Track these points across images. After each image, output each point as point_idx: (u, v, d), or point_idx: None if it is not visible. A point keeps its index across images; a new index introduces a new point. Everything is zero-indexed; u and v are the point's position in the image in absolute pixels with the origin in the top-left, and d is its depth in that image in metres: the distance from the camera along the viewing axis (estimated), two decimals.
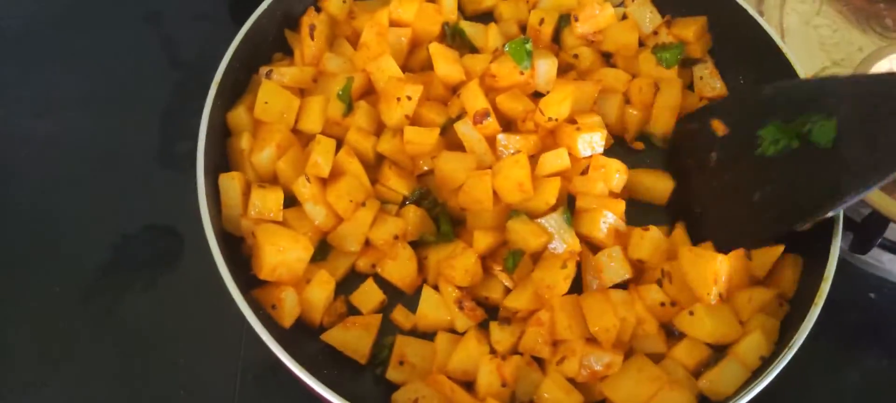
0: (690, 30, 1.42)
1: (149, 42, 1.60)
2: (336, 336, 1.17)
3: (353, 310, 1.21)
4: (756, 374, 1.11)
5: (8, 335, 1.28)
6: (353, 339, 1.17)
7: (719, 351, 1.17)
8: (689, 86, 1.45)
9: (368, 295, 1.21)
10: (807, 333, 1.09)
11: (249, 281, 1.16)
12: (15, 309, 1.30)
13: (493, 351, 1.15)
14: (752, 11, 1.36)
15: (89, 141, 1.46)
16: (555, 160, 1.25)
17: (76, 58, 1.57)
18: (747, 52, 1.39)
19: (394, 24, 1.37)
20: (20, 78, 1.54)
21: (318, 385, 1.02)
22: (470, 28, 1.42)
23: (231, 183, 1.20)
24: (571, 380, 1.12)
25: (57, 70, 1.55)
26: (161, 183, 1.42)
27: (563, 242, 1.19)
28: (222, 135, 1.28)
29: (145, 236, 1.38)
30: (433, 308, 1.19)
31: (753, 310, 1.16)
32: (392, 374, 1.15)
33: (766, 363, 1.11)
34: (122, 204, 1.40)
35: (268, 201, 1.18)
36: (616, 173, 1.27)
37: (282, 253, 1.14)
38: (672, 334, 1.20)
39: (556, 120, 1.27)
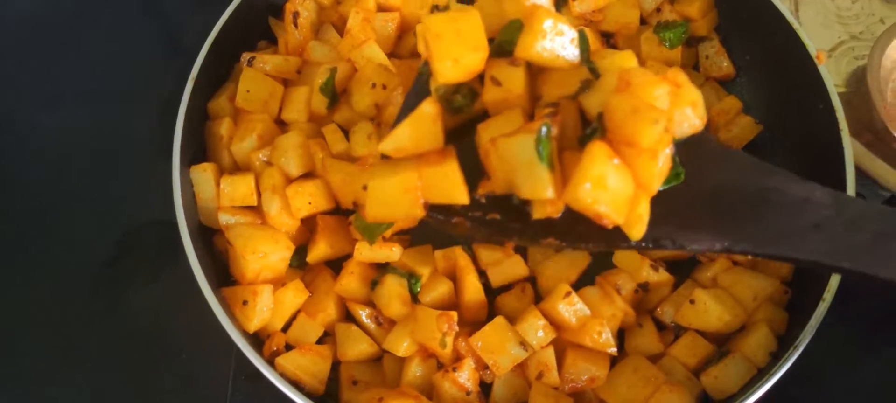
0: (695, 6, 1.34)
1: (152, 33, 1.58)
2: (292, 362, 1.09)
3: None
4: (762, 372, 1.04)
5: (15, 328, 1.29)
6: (310, 364, 1.10)
7: (721, 346, 1.10)
8: (695, 66, 1.37)
9: (305, 329, 1.15)
10: (814, 331, 1.02)
11: (225, 278, 1.14)
12: (21, 303, 1.30)
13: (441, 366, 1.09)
14: None
15: (94, 134, 1.45)
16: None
17: (81, 50, 1.55)
18: (756, 27, 1.31)
19: (381, 8, 1.32)
20: (26, 71, 1.53)
21: (285, 386, 1.01)
22: None
23: (203, 175, 1.16)
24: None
25: (62, 63, 1.54)
26: (164, 176, 1.38)
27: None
28: (204, 126, 1.25)
29: (148, 230, 1.36)
30: (353, 342, 1.13)
31: (759, 304, 1.09)
32: (347, 395, 1.10)
33: (776, 358, 1.05)
34: (126, 198, 1.39)
35: (238, 188, 1.15)
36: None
37: (263, 259, 1.11)
38: (662, 328, 1.14)
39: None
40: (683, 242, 0.86)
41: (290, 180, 1.17)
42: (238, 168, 1.21)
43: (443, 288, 1.15)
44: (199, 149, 1.23)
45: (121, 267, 1.33)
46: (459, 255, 1.16)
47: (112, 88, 1.50)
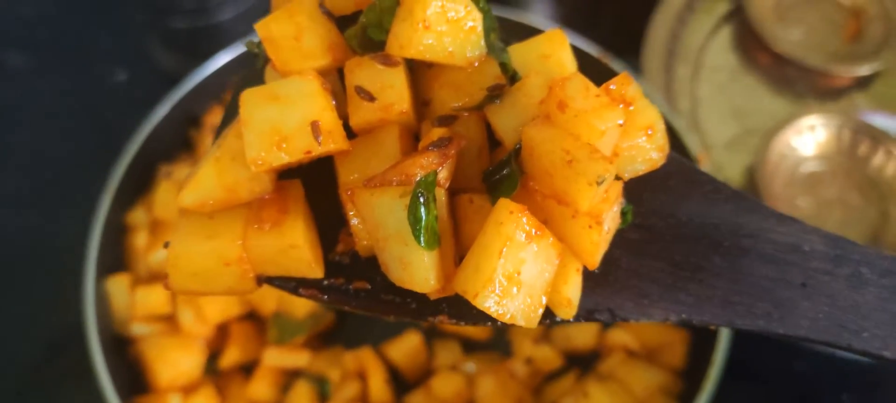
0: None
1: (89, 134, 1.61)
2: None
3: None
4: None
5: None
6: None
7: None
8: None
9: None
10: None
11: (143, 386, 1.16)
12: None
13: None
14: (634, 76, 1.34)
15: (28, 237, 1.47)
16: None
17: (16, 153, 1.58)
18: None
19: None
20: None
21: None
22: None
23: (118, 285, 1.20)
24: None
25: None
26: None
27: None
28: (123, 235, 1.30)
29: (81, 333, 1.38)
30: None
31: (649, 395, 1.14)
32: None
33: None
34: (60, 301, 1.39)
35: (153, 297, 1.18)
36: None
37: (176, 367, 1.14)
38: None
39: None
40: (626, 314, 0.64)
41: None
42: (155, 277, 1.25)
43: (353, 390, 1.19)
44: (119, 259, 1.27)
45: (52, 371, 1.34)
46: (368, 357, 1.20)
47: (46, 192, 1.52)
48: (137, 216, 1.28)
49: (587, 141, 0.55)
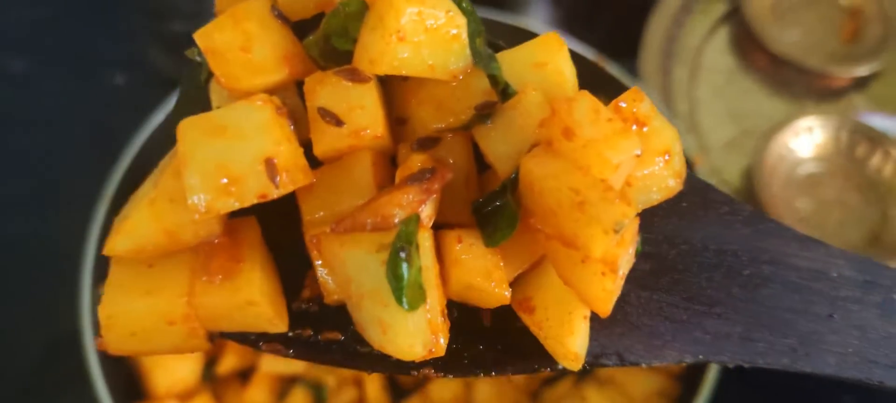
0: None
1: (88, 138, 1.61)
2: None
3: None
4: None
5: None
6: None
7: None
8: None
9: None
10: None
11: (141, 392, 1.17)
12: None
13: None
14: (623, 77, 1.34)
15: (25, 242, 1.47)
16: None
17: (13, 157, 1.58)
18: None
19: None
20: None
21: None
22: None
23: None
24: None
25: None
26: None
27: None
28: None
29: (78, 339, 1.38)
30: None
31: (646, 400, 1.14)
32: None
33: None
34: (57, 306, 1.39)
35: None
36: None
37: (173, 373, 1.14)
38: None
39: None
40: (637, 357, 0.58)
41: None
42: None
43: (350, 395, 1.19)
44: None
45: (52, 374, 1.34)
46: None
47: (45, 196, 1.53)
48: None
49: (599, 176, 0.47)
